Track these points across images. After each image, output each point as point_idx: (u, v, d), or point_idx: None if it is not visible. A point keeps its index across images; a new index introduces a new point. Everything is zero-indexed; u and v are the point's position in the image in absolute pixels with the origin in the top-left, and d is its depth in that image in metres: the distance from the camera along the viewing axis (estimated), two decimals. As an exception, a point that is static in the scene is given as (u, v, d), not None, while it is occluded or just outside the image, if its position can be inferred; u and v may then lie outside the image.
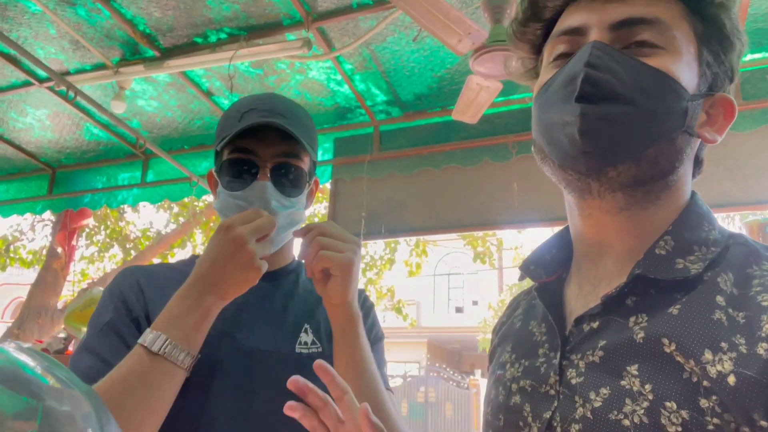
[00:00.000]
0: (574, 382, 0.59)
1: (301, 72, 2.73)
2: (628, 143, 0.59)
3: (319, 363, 0.66)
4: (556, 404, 0.60)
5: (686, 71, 0.61)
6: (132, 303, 0.94)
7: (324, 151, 3.22)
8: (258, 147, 0.97)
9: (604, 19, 0.63)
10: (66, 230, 5.70)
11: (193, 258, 1.10)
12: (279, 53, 2.41)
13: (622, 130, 0.59)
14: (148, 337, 0.80)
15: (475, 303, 17.35)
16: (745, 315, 0.52)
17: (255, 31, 2.47)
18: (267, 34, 2.44)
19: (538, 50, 0.74)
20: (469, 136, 2.86)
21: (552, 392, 0.62)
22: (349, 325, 0.91)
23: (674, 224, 0.63)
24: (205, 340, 0.85)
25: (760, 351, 0.49)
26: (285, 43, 2.41)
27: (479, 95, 2.27)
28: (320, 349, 0.98)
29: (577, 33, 0.65)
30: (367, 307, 1.08)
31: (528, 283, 0.78)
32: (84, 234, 6.99)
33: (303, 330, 1.00)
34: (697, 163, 0.69)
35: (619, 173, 0.60)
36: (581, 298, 0.67)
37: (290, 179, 0.99)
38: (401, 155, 3.02)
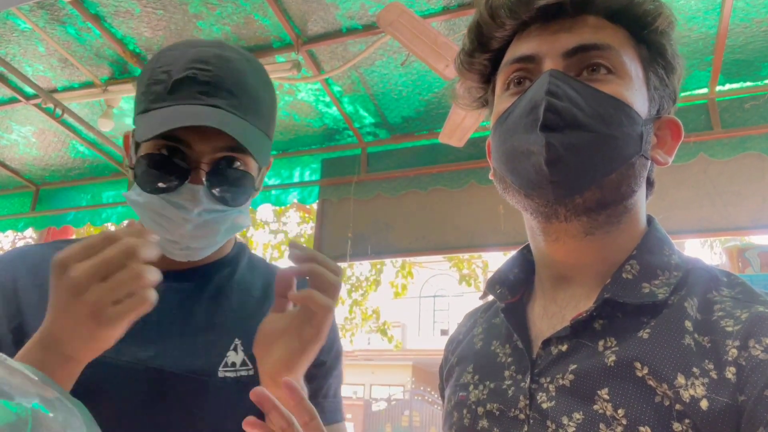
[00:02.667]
0: (545, 406, 0.59)
1: (290, 93, 2.76)
2: (593, 170, 0.60)
3: (260, 392, 0.56)
4: (526, 429, 0.60)
5: (638, 96, 0.63)
6: None
7: (311, 172, 3.23)
8: (192, 139, 0.73)
9: (556, 47, 0.63)
10: (48, 248, 5.60)
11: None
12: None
13: (587, 158, 0.59)
14: None
15: (461, 325, 17.19)
16: (711, 339, 0.54)
17: (245, 52, 2.49)
18: (257, 56, 2.46)
19: (486, 80, 0.74)
20: (455, 159, 2.89)
21: (522, 416, 0.61)
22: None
23: (638, 249, 0.64)
24: (96, 363, 0.62)
25: (729, 375, 0.50)
26: (275, 65, 2.44)
27: (465, 119, 2.31)
28: (251, 372, 0.76)
29: (530, 61, 0.65)
30: (332, 329, 0.87)
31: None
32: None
33: (232, 346, 0.78)
34: (649, 184, 0.70)
35: (585, 200, 0.61)
36: (546, 320, 0.67)
37: (232, 182, 0.76)
38: (388, 177, 3.04)
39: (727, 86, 2.54)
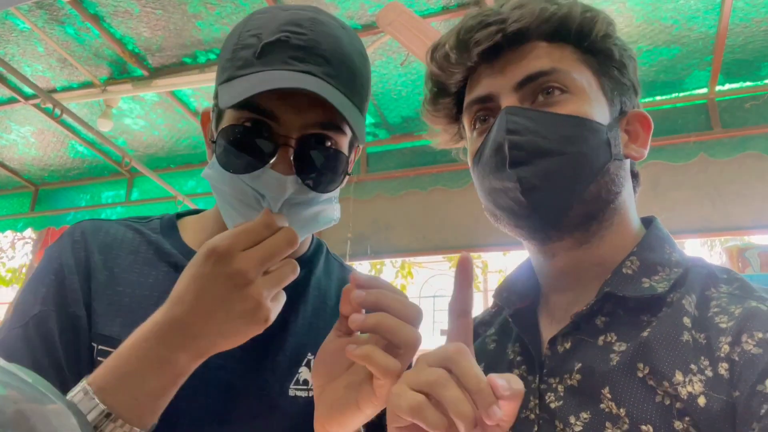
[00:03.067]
0: (553, 406, 0.60)
1: (289, 93, 2.75)
2: (570, 189, 0.62)
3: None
4: (536, 429, 0.61)
5: (596, 106, 0.65)
6: (71, 290, 0.67)
7: (311, 172, 3.23)
8: (281, 110, 0.63)
9: (507, 83, 0.66)
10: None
11: (172, 220, 0.77)
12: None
13: (560, 180, 0.62)
14: (77, 395, 0.52)
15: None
16: (706, 336, 0.54)
17: (244, 52, 2.49)
18: (256, 56, 2.46)
19: (455, 118, 0.77)
20: (455, 159, 2.88)
21: (532, 416, 0.62)
22: None
23: (638, 246, 0.65)
24: None
25: (722, 372, 0.51)
26: (274, 64, 2.43)
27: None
28: None
29: (487, 100, 0.68)
30: None
31: None
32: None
33: (304, 362, 0.71)
34: (633, 177, 0.72)
35: (573, 217, 0.63)
36: (555, 323, 0.68)
37: (323, 165, 0.65)
38: (388, 177, 3.03)
39: (727, 86, 2.53)
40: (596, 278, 0.65)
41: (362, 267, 7.91)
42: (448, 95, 0.74)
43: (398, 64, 2.46)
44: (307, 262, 0.78)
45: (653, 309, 0.59)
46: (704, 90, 2.55)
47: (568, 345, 0.62)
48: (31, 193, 3.78)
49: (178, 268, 0.68)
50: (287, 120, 0.63)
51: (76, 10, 2.25)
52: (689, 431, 0.50)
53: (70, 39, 2.46)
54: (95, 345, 0.64)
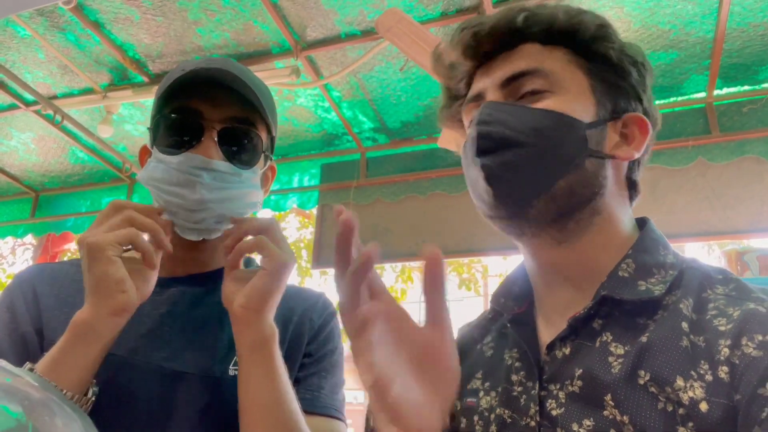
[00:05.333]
0: (554, 413, 0.59)
1: (289, 99, 2.76)
2: (535, 179, 0.64)
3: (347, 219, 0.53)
4: None
5: (577, 105, 0.67)
6: (20, 314, 0.78)
7: (311, 177, 3.23)
8: (204, 107, 0.78)
9: (494, 81, 0.70)
10: (47, 254, 5.60)
11: None
12: (267, 80, 2.43)
13: (525, 170, 0.63)
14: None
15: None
16: (705, 339, 0.54)
17: (244, 58, 2.50)
18: (256, 62, 2.47)
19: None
20: (454, 164, 2.89)
21: (533, 424, 0.61)
22: (262, 346, 0.71)
23: (633, 248, 0.65)
24: (112, 362, 0.70)
25: (722, 375, 0.51)
26: (274, 70, 2.44)
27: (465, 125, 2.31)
28: None
29: (479, 98, 0.71)
30: (328, 314, 0.91)
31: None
32: (66, 258, 6.88)
33: None
34: (632, 185, 0.72)
35: (540, 211, 0.64)
36: (551, 327, 0.68)
37: (242, 146, 0.80)
38: (387, 182, 3.04)
39: (725, 90, 2.54)
40: (587, 280, 0.65)
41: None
42: (456, 99, 0.79)
43: (397, 69, 2.46)
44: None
45: (649, 312, 0.59)
46: (702, 94, 2.55)
47: (567, 350, 0.62)
48: (31, 199, 3.78)
49: None
50: (209, 113, 0.78)
51: (77, 17, 2.26)
52: None
53: (70, 46, 2.47)
54: (29, 363, 0.70)
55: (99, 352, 0.69)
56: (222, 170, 0.77)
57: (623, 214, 0.69)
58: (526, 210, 0.64)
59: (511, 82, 0.68)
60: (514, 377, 0.67)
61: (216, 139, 0.78)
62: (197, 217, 0.78)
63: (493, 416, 0.66)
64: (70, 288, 0.82)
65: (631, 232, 0.69)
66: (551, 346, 0.64)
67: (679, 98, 2.59)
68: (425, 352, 0.49)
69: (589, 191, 0.65)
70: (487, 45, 0.71)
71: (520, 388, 0.65)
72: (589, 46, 0.69)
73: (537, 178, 0.63)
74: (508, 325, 0.72)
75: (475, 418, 0.69)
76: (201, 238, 0.81)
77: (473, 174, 0.67)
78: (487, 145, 0.64)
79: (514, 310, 0.73)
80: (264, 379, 0.71)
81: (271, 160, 0.89)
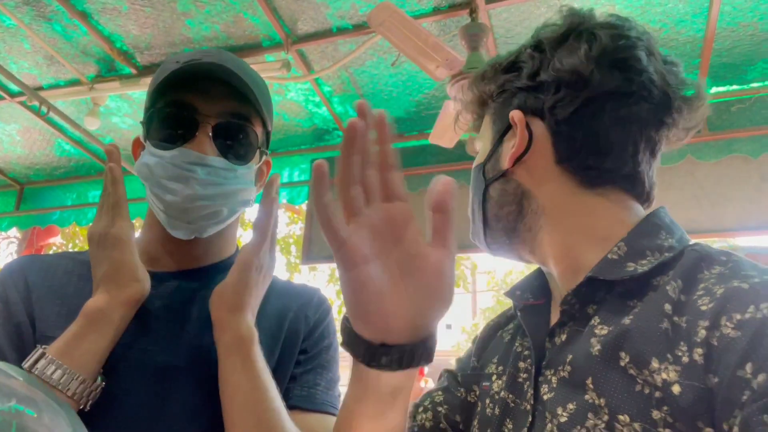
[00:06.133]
0: (546, 398, 0.60)
1: (279, 93, 2.74)
2: (474, 224, 0.79)
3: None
4: (530, 420, 0.62)
5: (484, 148, 0.78)
6: (14, 304, 0.77)
7: (301, 172, 3.22)
8: (198, 102, 0.77)
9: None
10: (32, 248, 5.54)
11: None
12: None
13: (473, 221, 0.81)
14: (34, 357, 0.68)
15: (448, 327, 17.30)
16: (687, 320, 0.52)
17: (234, 51, 2.47)
18: (246, 55, 2.45)
19: (484, 104, 0.81)
20: (445, 160, 2.89)
21: (528, 407, 0.63)
22: (239, 346, 0.73)
23: (630, 232, 0.64)
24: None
25: (696, 357, 0.48)
26: (264, 64, 2.42)
27: (456, 120, 2.31)
28: None
29: None
30: (324, 310, 0.91)
31: (501, 308, 0.81)
32: (51, 252, 6.81)
33: None
34: (579, 161, 0.69)
35: (495, 241, 0.74)
36: (557, 317, 0.69)
37: (237, 142, 0.79)
38: (378, 177, 3.03)
39: (714, 89, 2.56)
40: (569, 272, 0.66)
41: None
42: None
43: (389, 64, 2.45)
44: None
45: (638, 293, 0.58)
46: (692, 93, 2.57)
47: (564, 337, 0.63)
48: (16, 191, 3.74)
49: None
50: (204, 108, 0.77)
51: (64, 7, 2.23)
52: (667, 420, 0.48)
53: (57, 36, 2.43)
54: (40, 346, 0.70)
55: (110, 340, 0.71)
56: (216, 166, 0.77)
57: (584, 199, 0.67)
58: (489, 245, 0.76)
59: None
60: (521, 364, 0.69)
61: (210, 134, 0.77)
62: (190, 216, 0.78)
63: (501, 400, 0.69)
64: (62, 280, 0.81)
65: (623, 216, 0.67)
66: (551, 333, 0.65)
67: (669, 97, 2.61)
68: (421, 261, 0.51)
69: (507, 209, 0.71)
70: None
71: (525, 375, 0.67)
72: (482, 94, 0.77)
73: (475, 222, 0.77)
74: (518, 314, 0.74)
75: (487, 401, 0.71)
76: (193, 237, 0.81)
77: None
78: None
79: (528, 300, 0.74)
80: (242, 379, 0.71)
81: (266, 155, 0.88)
